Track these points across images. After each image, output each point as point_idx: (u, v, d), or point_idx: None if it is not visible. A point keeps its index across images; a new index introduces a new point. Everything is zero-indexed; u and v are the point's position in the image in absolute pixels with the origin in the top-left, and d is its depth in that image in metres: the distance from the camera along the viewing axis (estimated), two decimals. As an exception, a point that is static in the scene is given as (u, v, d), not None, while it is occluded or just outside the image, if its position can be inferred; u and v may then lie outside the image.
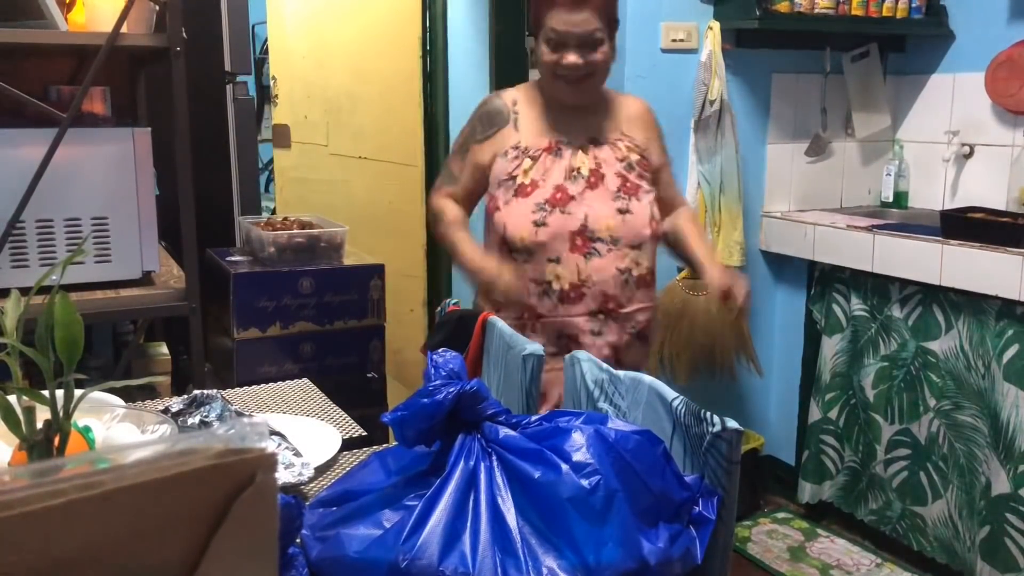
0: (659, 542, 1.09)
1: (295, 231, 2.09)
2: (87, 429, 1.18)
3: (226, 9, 2.29)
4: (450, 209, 2.08)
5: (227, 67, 2.34)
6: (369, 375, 2.03)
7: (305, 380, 1.80)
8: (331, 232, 2.10)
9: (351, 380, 2.08)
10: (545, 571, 1.03)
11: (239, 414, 1.51)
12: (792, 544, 3.02)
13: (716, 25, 2.87)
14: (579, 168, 1.99)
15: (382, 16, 3.90)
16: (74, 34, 1.66)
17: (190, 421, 1.49)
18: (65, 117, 1.60)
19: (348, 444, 1.52)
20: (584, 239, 1.95)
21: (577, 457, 1.09)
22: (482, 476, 1.11)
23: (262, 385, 1.78)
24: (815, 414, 3.13)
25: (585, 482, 1.07)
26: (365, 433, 1.55)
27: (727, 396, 3.27)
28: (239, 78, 2.49)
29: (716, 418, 1.21)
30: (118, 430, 1.24)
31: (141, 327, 1.99)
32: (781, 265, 3.24)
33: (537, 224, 1.95)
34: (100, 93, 1.96)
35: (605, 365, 1.45)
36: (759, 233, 3.21)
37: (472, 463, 1.12)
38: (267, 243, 2.03)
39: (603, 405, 1.42)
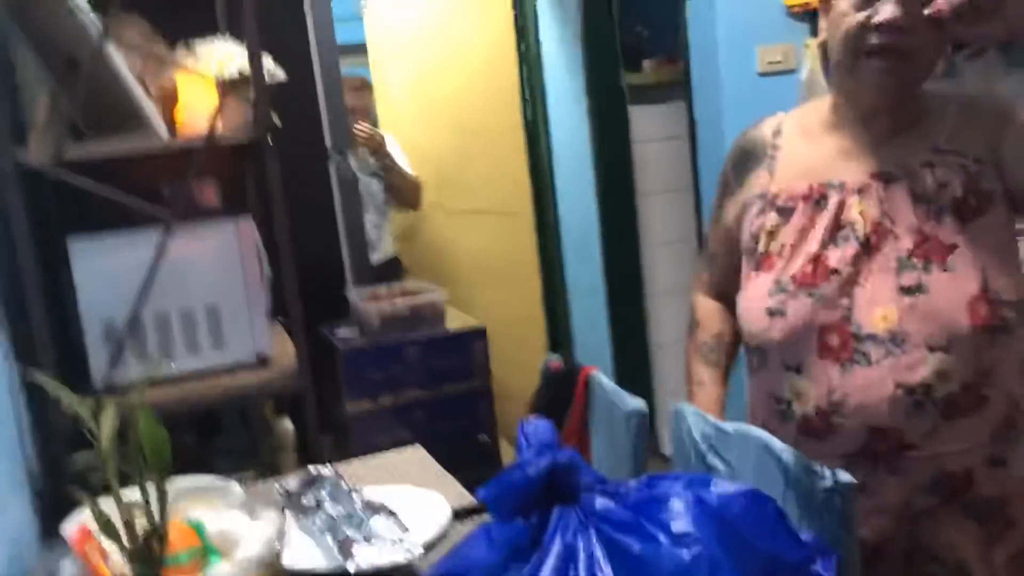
0: (770, 610, 1.03)
1: (398, 303, 2.13)
2: (199, 524, 1.22)
3: (322, 91, 2.39)
4: (704, 318, 1.56)
5: (328, 144, 2.43)
6: (479, 437, 2.04)
7: (417, 446, 1.81)
8: (431, 300, 2.13)
9: (462, 443, 2.08)
10: (651, 650, 0.99)
11: (350, 490, 1.52)
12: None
13: (813, 43, 2.77)
14: (853, 223, 1.31)
15: (481, 69, 3.97)
16: (171, 141, 1.75)
17: (304, 501, 1.52)
18: (167, 218, 1.68)
19: (460, 513, 1.52)
20: (844, 338, 1.28)
21: (677, 527, 1.05)
22: (581, 551, 1.08)
23: (376, 455, 1.81)
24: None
25: (686, 553, 1.03)
26: (476, 502, 1.54)
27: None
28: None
29: (828, 471, 1.15)
30: (228, 519, 1.27)
31: (263, 406, 2.06)
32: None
33: (771, 312, 1.34)
34: (209, 185, 2.06)
35: (711, 418, 1.39)
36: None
37: (569, 537, 1.09)
38: (372, 316, 2.07)
39: (713, 461, 1.37)
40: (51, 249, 1.75)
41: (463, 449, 2.06)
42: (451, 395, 2.08)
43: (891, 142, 1.35)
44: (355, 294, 2.27)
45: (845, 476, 1.13)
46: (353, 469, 1.75)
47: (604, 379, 1.64)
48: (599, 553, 1.07)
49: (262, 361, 1.86)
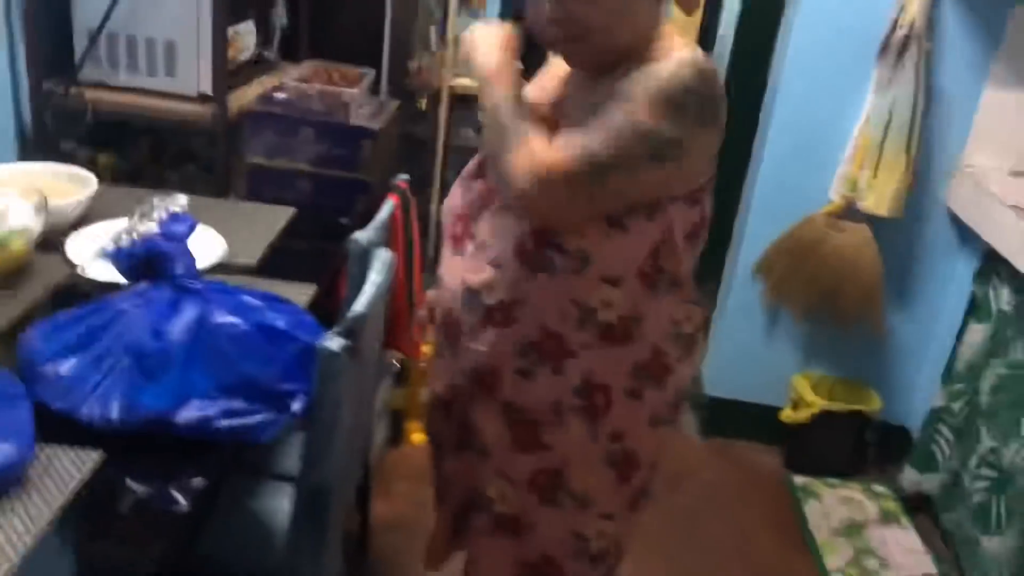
0: (211, 410, 1.32)
1: (316, 84, 2.37)
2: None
3: None
4: None
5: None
6: (342, 220, 2.26)
7: (287, 211, 2.13)
8: (342, 96, 2.35)
9: (331, 221, 2.30)
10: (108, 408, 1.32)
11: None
12: (857, 519, 2.82)
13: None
14: None
15: None
16: None
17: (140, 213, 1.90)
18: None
19: (232, 268, 1.86)
20: (466, 232, 1.52)
21: (171, 327, 1.36)
22: (129, 311, 1.41)
23: (252, 204, 2.18)
24: (940, 400, 2.80)
25: (157, 343, 1.34)
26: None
27: (872, 348, 3.01)
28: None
29: (333, 334, 1.39)
30: (13, 202, 1.70)
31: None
32: (963, 229, 2.80)
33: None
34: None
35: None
36: (945, 188, 2.80)
37: (128, 304, 1.42)
38: (289, 84, 2.38)
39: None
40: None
41: (330, 226, 2.30)
42: (334, 178, 2.35)
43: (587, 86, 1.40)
44: (306, 65, 2.52)
45: (334, 343, 1.37)
46: (216, 205, 2.11)
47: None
48: (133, 320, 1.40)
49: (203, 99, 2.25)
